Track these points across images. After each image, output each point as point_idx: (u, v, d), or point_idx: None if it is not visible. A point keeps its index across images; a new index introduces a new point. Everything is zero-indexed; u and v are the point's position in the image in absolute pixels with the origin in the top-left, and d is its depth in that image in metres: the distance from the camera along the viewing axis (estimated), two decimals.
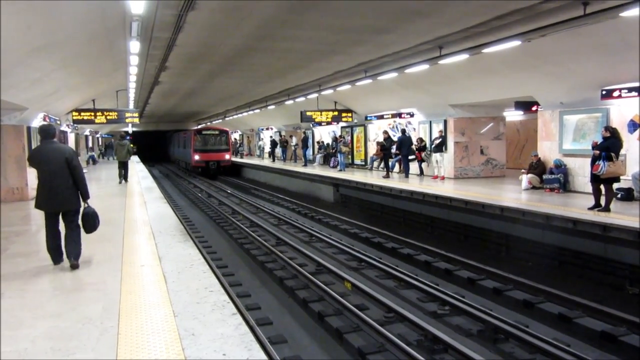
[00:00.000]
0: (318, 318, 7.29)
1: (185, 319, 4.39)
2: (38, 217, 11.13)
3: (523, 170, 13.34)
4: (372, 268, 9.68)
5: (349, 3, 8.60)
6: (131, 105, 23.82)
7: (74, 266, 6.21)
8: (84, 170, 6.90)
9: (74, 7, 7.45)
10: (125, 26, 9.14)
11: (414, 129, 18.46)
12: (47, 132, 6.41)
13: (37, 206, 6.31)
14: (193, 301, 4.86)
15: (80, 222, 6.36)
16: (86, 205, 6.38)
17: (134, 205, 12.07)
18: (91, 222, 6.38)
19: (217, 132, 33.25)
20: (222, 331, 4.10)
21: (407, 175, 17.15)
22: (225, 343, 3.87)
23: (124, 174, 17.71)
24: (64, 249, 6.34)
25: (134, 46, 10.23)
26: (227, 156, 32.43)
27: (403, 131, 17.69)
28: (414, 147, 17.31)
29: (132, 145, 23.53)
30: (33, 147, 12.61)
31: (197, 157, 31.67)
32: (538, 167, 12.95)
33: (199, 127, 39.61)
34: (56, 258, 6.39)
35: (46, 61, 9.82)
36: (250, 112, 29.38)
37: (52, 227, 6.31)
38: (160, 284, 5.46)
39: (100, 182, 19.43)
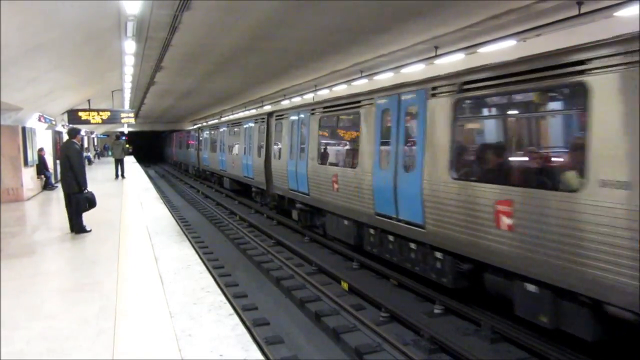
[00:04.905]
0: (315, 318, 7.28)
1: (182, 319, 4.38)
2: (34, 218, 11.13)
3: None
4: (368, 269, 9.67)
5: (345, 3, 8.59)
6: (127, 106, 23.72)
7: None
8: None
9: (69, 7, 7.41)
10: (120, 26, 9.11)
11: None
12: (69, 133, 8.95)
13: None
14: (190, 302, 4.85)
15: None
16: (85, 191, 8.42)
17: (130, 206, 12.03)
18: (78, 204, 8.28)
19: None
20: (219, 332, 4.10)
21: None
22: (222, 344, 3.87)
23: (120, 171, 19.45)
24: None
25: (129, 46, 10.19)
26: None
27: None
28: None
29: (127, 145, 23.89)
30: (28, 147, 14.25)
31: None
32: None
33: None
34: (71, 227, 8.60)
35: (41, 61, 9.76)
36: (247, 112, 29.28)
37: (67, 202, 8.60)
38: (157, 284, 5.44)
39: (96, 182, 19.34)
